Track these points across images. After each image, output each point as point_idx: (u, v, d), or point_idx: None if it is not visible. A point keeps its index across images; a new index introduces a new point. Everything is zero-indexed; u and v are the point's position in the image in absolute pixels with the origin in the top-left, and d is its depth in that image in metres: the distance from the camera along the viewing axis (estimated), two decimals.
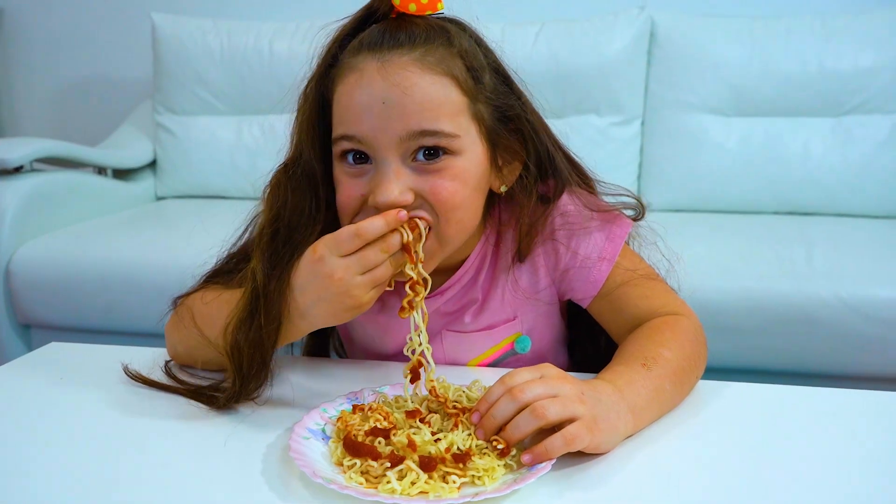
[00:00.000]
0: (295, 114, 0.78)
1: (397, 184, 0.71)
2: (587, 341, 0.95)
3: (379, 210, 0.71)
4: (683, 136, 2.14)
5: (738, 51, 2.10)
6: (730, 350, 1.55)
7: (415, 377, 0.71)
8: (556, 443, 0.61)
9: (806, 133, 2.06)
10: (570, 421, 0.62)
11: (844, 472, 0.63)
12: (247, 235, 0.84)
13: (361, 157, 0.73)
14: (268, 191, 0.78)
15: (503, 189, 0.79)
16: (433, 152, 0.72)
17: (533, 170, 0.78)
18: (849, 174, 2.02)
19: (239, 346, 0.71)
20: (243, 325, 0.71)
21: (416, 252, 0.71)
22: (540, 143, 0.77)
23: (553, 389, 0.63)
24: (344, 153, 0.74)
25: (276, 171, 0.78)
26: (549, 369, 0.66)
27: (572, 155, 0.82)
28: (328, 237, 0.69)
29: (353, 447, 0.62)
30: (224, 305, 0.76)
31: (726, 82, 2.11)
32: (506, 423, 0.62)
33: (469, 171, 0.74)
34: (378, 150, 0.72)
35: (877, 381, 1.51)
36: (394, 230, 0.69)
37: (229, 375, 0.72)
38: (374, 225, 0.68)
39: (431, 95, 0.71)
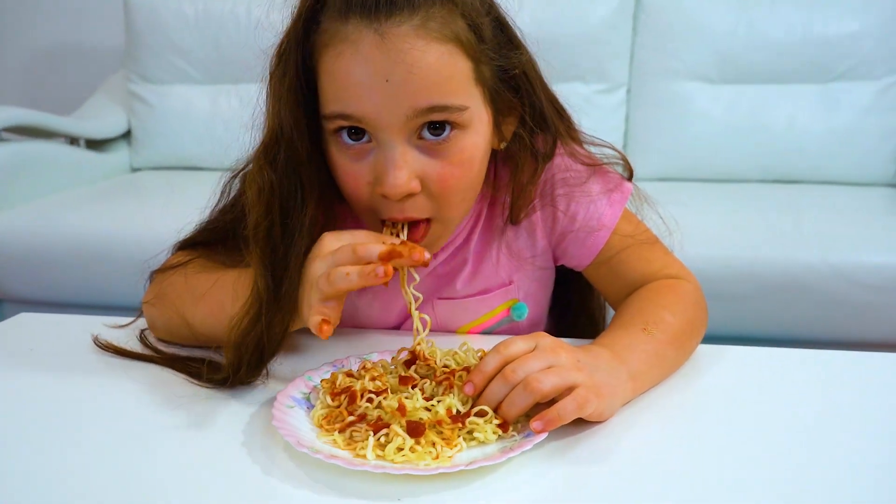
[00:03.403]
0: (268, 82, 0.70)
1: (405, 170, 0.65)
2: (578, 306, 0.93)
3: (387, 198, 0.67)
4: (669, 103, 2.12)
5: (725, 17, 2.08)
6: (719, 318, 1.52)
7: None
8: (568, 406, 0.58)
9: (792, 100, 2.06)
10: (569, 390, 0.59)
11: (846, 433, 0.61)
12: (220, 203, 0.80)
13: (357, 133, 0.67)
14: (250, 179, 0.70)
15: (502, 145, 0.75)
16: (439, 126, 0.66)
17: (529, 124, 0.74)
18: (834, 141, 2.02)
19: (240, 348, 0.66)
20: (248, 328, 0.66)
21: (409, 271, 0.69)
22: (536, 97, 0.74)
23: (547, 361, 0.60)
24: (338, 130, 0.68)
25: (256, 153, 0.71)
26: (544, 339, 0.63)
27: (561, 104, 0.78)
28: (330, 241, 0.66)
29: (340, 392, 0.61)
30: (216, 292, 0.72)
31: (712, 49, 2.09)
32: (500, 403, 0.60)
33: (476, 145, 0.69)
34: (381, 131, 0.65)
35: (865, 347, 1.50)
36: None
37: (224, 370, 0.68)
38: (370, 251, 0.63)
39: (438, 69, 0.64)
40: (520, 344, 0.62)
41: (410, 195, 0.67)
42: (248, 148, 0.74)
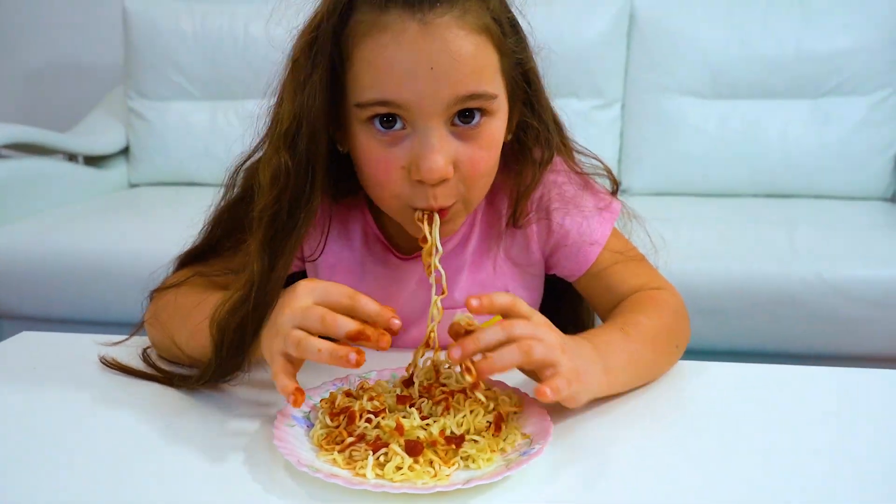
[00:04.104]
0: (289, 67, 0.71)
1: (443, 154, 0.67)
2: (567, 316, 0.95)
3: (424, 182, 0.68)
4: (663, 119, 2.14)
5: (717, 33, 2.11)
6: (713, 332, 1.56)
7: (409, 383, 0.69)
8: (559, 383, 0.61)
9: (784, 115, 2.08)
10: (550, 366, 0.62)
11: (827, 449, 0.62)
12: (222, 204, 0.81)
13: (391, 121, 0.68)
14: (265, 162, 0.71)
15: (508, 137, 0.77)
16: (469, 113, 0.68)
17: (535, 125, 0.77)
18: (826, 156, 2.04)
19: (224, 326, 0.68)
20: (236, 308, 0.68)
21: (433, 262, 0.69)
22: (543, 96, 0.77)
23: (539, 332, 0.63)
24: (372, 117, 0.68)
25: (272, 138, 0.71)
26: (540, 315, 0.66)
27: (556, 112, 0.81)
28: (325, 285, 0.64)
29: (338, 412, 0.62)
30: (198, 314, 0.73)
31: (705, 65, 2.11)
32: (487, 351, 0.62)
33: (501, 130, 0.72)
34: (421, 117, 0.67)
35: (858, 361, 1.52)
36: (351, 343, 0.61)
37: (208, 353, 0.70)
38: (369, 307, 0.62)
39: (476, 56, 0.67)
40: (524, 306, 0.65)
41: (444, 179, 0.68)
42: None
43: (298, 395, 0.61)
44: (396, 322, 0.62)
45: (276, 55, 0.73)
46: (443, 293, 0.68)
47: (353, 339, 0.61)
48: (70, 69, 2.70)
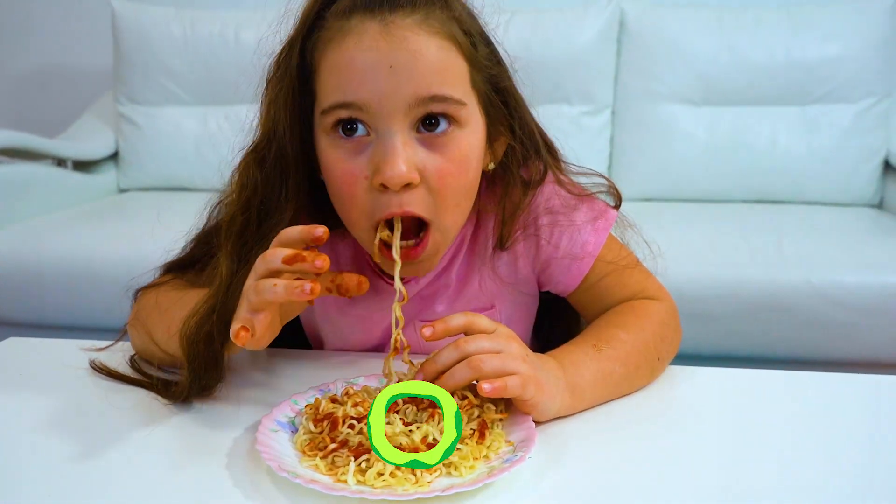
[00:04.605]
0: (265, 86, 0.72)
1: (405, 157, 0.65)
2: (562, 333, 0.94)
3: (386, 188, 0.66)
4: (653, 125, 2.15)
5: (707, 41, 2.12)
6: (701, 337, 1.56)
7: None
8: (514, 382, 0.62)
9: (773, 122, 2.09)
10: (509, 375, 0.62)
11: (814, 454, 0.62)
12: (209, 223, 0.81)
13: (353, 128, 0.67)
14: (236, 175, 0.72)
15: (491, 166, 0.76)
16: (436, 122, 0.67)
17: (518, 148, 0.75)
18: (814, 162, 2.05)
19: (194, 339, 0.68)
20: (203, 319, 0.68)
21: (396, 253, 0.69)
22: (526, 117, 0.76)
23: (499, 346, 0.64)
24: (335, 125, 0.68)
25: (245, 152, 0.73)
26: (504, 328, 0.67)
27: (546, 134, 0.80)
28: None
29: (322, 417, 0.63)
30: (176, 309, 0.73)
31: (695, 72, 2.12)
32: (445, 370, 0.63)
33: (473, 146, 0.70)
34: (382, 119, 0.66)
35: (846, 366, 1.53)
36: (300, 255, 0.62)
37: (183, 369, 0.70)
38: (292, 232, 0.64)
39: (440, 59, 0.66)
40: (484, 320, 0.66)
41: (410, 185, 0.67)
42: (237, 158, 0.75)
43: (242, 330, 0.62)
44: (319, 230, 0.63)
45: (267, 60, 0.73)
46: (403, 300, 0.69)
47: (291, 264, 0.62)
48: (59, 74, 2.69)
